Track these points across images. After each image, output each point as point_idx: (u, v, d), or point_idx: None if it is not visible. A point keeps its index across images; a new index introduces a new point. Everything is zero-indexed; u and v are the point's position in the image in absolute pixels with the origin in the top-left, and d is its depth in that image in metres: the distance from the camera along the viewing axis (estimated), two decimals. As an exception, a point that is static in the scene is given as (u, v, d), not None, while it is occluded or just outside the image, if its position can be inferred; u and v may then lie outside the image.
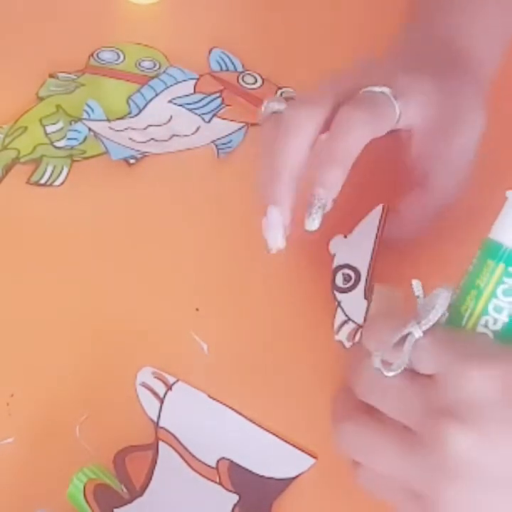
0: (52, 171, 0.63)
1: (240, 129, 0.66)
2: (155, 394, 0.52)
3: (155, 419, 0.51)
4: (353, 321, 0.53)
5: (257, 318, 0.56)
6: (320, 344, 0.54)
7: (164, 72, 0.69)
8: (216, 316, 0.56)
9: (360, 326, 0.53)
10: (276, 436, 0.51)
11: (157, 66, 0.70)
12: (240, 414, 0.52)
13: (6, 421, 0.51)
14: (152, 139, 0.65)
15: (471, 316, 0.42)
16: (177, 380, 0.53)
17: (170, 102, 0.67)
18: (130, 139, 0.65)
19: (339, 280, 0.54)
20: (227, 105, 0.67)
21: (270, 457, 0.50)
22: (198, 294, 0.57)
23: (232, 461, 0.50)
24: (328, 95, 0.51)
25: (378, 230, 0.53)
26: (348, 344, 0.53)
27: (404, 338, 0.42)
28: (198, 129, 0.66)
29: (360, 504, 0.49)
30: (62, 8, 0.74)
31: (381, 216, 0.53)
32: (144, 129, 0.66)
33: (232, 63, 0.70)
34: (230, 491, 0.49)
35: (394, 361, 0.42)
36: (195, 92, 0.68)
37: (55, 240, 0.59)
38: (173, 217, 0.61)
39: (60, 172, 0.63)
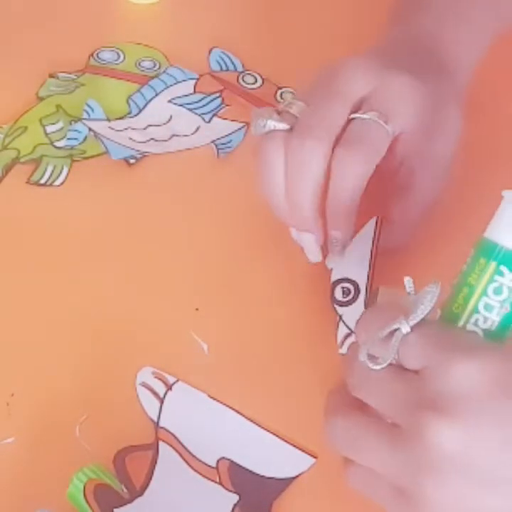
0: (52, 171, 0.63)
1: (239, 129, 0.66)
2: (155, 394, 0.52)
3: (155, 419, 0.51)
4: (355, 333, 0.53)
5: (257, 319, 0.56)
6: (320, 344, 0.54)
7: (164, 72, 0.69)
8: (216, 316, 0.56)
9: None
10: (276, 436, 0.51)
11: (157, 66, 0.70)
12: (240, 414, 0.52)
13: (6, 421, 0.51)
14: (152, 138, 0.65)
15: (461, 313, 0.42)
16: (177, 380, 0.53)
17: (170, 101, 0.67)
18: (130, 138, 0.65)
19: (338, 294, 0.54)
20: (227, 105, 0.67)
21: (270, 457, 0.50)
22: (198, 294, 0.57)
23: (232, 461, 0.50)
24: (330, 123, 0.51)
25: (373, 241, 0.53)
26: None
27: (392, 332, 0.42)
28: (197, 128, 0.66)
29: (360, 504, 0.49)
30: (62, 8, 0.74)
31: (376, 228, 0.53)
32: (144, 128, 0.66)
33: (232, 63, 0.70)
34: (230, 490, 0.49)
35: (381, 355, 0.42)
36: (195, 92, 0.68)
37: (55, 240, 0.59)
38: (173, 217, 0.61)
39: (60, 172, 0.63)
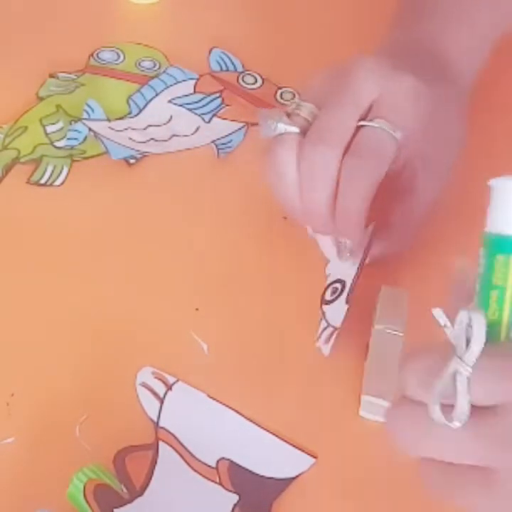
0: (53, 171, 0.63)
1: (239, 129, 0.66)
2: (155, 394, 0.52)
3: (155, 419, 0.51)
4: (332, 326, 0.53)
5: (257, 318, 0.56)
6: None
7: (164, 72, 0.69)
8: (216, 316, 0.56)
9: (335, 328, 0.53)
10: (276, 436, 0.51)
11: (157, 66, 0.70)
12: (240, 414, 0.52)
13: (6, 421, 0.51)
14: (152, 139, 0.65)
15: (501, 318, 0.39)
16: (177, 380, 0.53)
17: (170, 102, 0.67)
18: (130, 138, 0.65)
19: (328, 294, 0.54)
20: (227, 105, 0.67)
21: (270, 457, 0.50)
22: (198, 294, 0.57)
23: (232, 461, 0.50)
24: (342, 129, 0.51)
25: (367, 248, 0.54)
26: (324, 347, 0.53)
27: (452, 377, 0.38)
28: (197, 129, 0.66)
29: (360, 504, 0.49)
30: (62, 8, 0.74)
31: (370, 234, 0.54)
32: (144, 129, 0.66)
33: (232, 63, 0.70)
34: (230, 491, 0.49)
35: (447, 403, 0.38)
36: (195, 92, 0.68)
37: (55, 240, 0.60)
38: (173, 217, 0.61)
39: (60, 172, 0.63)
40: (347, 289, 0.53)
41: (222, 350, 0.54)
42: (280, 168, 0.51)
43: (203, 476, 0.49)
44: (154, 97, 0.68)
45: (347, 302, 0.52)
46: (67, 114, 0.66)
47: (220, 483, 0.49)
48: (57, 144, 0.64)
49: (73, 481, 0.48)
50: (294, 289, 0.57)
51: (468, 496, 0.39)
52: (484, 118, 0.61)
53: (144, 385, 0.53)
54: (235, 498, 0.49)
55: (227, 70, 0.70)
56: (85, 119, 0.65)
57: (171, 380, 0.53)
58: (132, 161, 0.64)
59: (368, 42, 0.61)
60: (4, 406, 0.52)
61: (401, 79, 0.52)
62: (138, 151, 0.64)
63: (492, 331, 0.39)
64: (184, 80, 0.69)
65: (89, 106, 0.66)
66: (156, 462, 0.49)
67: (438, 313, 0.39)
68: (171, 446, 0.50)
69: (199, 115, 0.67)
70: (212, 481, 0.49)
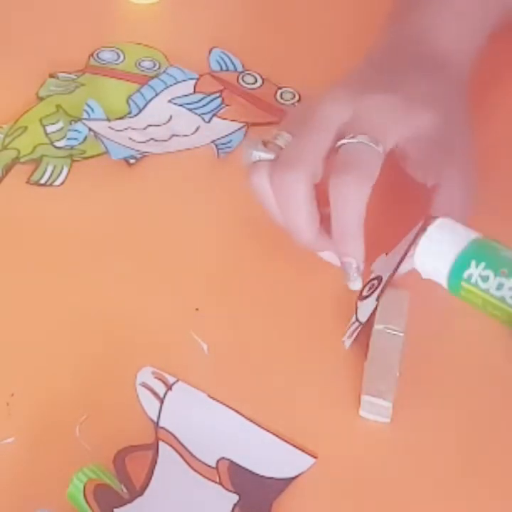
0: (52, 171, 0.63)
1: (239, 128, 0.66)
2: (155, 394, 0.52)
3: (155, 419, 0.51)
4: (359, 321, 0.54)
5: (257, 319, 0.56)
6: (320, 344, 0.54)
7: (164, 72, 0.69)
8: (216, 316, 0.56)
9: (361, 324, 0.53)
10: (276, 436, 0.51)
11: (157, 66, 0.70)
12: (240, 414, 0.52)
13: (6, 421, 0.51)
14: (152, 138, 0.65)
15: None
16: (177, 380, 0.53)
17: (170, 101, 0.67)
18: (130, 138, 0.65)
19: (366, 289, 0.54)
20: (227, 105, 0.67)
21: (270, 457, 0.50)
22: (198, 294, 0.57)
23: (232, 461, 0.50)
24: (310, 153, 0.53)
25: (410, 244, 0.53)
26: (347, 341, 0.54)
27: None
28: (197, 128, 0.66)
29: (360, 504, 0.49)
30: (62, 8, 0.74)
31: (417, 232, 0.54)
32: (144, 128, 0.66)
33: (232, 63, 0.70)
34: (230, 490, 0.49)
35: None
36: (195, 91, 0.68)
37: (55, 240, 0.60)
38: (173, 217, 0.61)
39: (60, 172, 0.63)
40: (381, 285, 0.53)
41: (222, 350, 0.54)
42: (257, 193, 0.54)
43: (203, 476, 0.49)
44: (154, 97, 0.68)
45: (377, 299, 0.53)
46: (67, 114, 0.66)
47: (220, 483, 0.49)
48: (57, 143, 0.64)
49: (73, 481, 0.48)
50: (294, 288, 0.57)
51: None
52: (484, 119, 0.61)
53: (144, 385, 0.53)
54: (234, 498, 0.49)
55: (227, 69, 0.70)
56: (85, 119, 0.65)
57: (171, 380, 0.53)
58: (132, 161, 0.64)
59: (368, 42, 0.61)
60: (4, 406, 0.52)
61: (371, 96, 0.53)
62: (138, 151, 0.64)
63: None
64: (184, 80, 0.69)
65: (89, 106, 0.66)
66: (156, 462, 0.49)
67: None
68: (171, 446, 0.50)
69: (199, 115, 0.67)
70: (212, 480, 0.49)
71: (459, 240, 0.51)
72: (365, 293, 0.54)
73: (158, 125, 0.66)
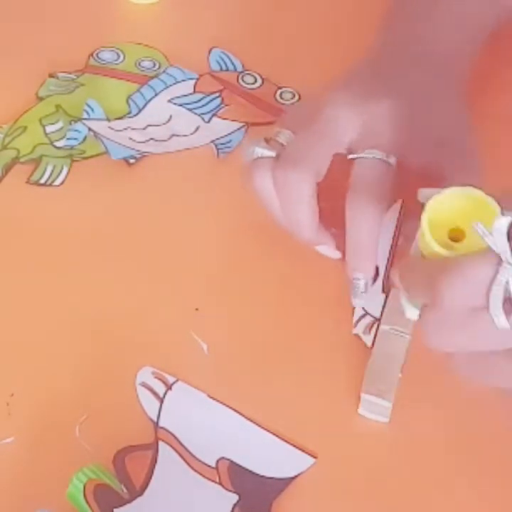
0: (52, 171, 0.63)
1: (239, 128, 0.66)
2: (155, 394, 0.52)
3: (155, 419, 0.51)
4: (370, 315, 0.54)
5: (257, 319, 0.56)
6: (320, 344, 0.55)
7: (164, 71, 0.69)
8: (216, 316, 0.56)
9: (376, 319, 0.54)
10: (276, 436, 0.51)
11: (157, 66, 0.70)
12: (240, 414, 0.52)
13: (6, 421, 0.51)
14: (152, 138, 0.65)
15: None
16: (177, 380, 0.53)
17: (169, 101, 0.67)
18: (130, 138, 0.65)
19: None
20: (227, 105, 0.67)
21: (270, 457, 0.50)
22: (198, 294, 0.57)
23: (231, 461, 0.50)
24: (313, 159, 0.52)
25: (396, 226, 0.54)
26: (365, 337, 0.54)
27: (505, 283, 0.39)
28: (197, 128, 0.66)
29: (360, 504, 0.49)
30: (62, 8, 0.74)
31: (399, 212, 0.54)
32: (144, 128, 0.66)
33: (232, 63, 0.70)
34: (230, 490, 0.49)
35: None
36: (194, 91, 0.68)
37: (55, 240, 0.59)
38: (172, 217, 0.61)
39: (60, 172, 0.63)
40: (381, 275, 0.54)
41: (222, 350, 0.54)
42: (257, 190, 0.53)
43: (203, 476, 0.49)
44: (154, 97, 0.68)
45: (383, 291, 0.53)
46: (67, 114, 0.66)
47: (220, 483, 0.49)
48: (57, 143, 0.64)
49: (73, 481, 0.48)
50: (294, 288, 0.57)
51: (502, 378, 0.42)
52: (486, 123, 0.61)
53: (144, 385, 0.53)
54: (234, 497, 0.49)
55: (227, 69, 0.70)
56: (85, 118, 0.65)
57: (170, 379, 0.53)
58: (132, 160, 0.64)
59: (368, 42, 0.61)
60: (4, 406, 0.52)
61: (377, 102, 0.53)
62: (138, 150, 0.64)
63: None
64: (184, 80, 0.69)
65: (89, 106, 0.66)
66: (155, 462, 0.50)
67: (477, 225, 0.39)
68: (170, 446, 0.50)
69: (199, 115, 0.67)
70: (212, 480, 0.49)
71: None
72: None
73: (158, 125, 0.66)
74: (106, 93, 0.67)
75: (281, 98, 0.67)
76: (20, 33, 0.72)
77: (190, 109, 0.67)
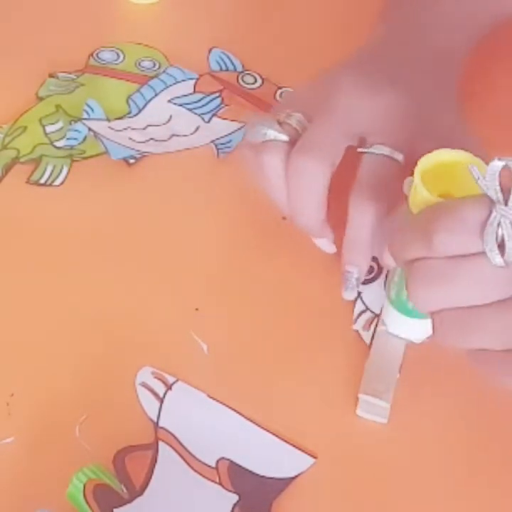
0: (52, 171, 0.63)
1: (239, 128, 0.66)
2: (155, 394, 0.52)
3: (155, 419, 0.51)
4: (371, 311, 0.55)
5: (257, 319, 0.56)
6: (320, 344, 0.55)
7: (164, 72, 0.69)
8: (216, 316, 0.56)
9: (377, 315, 0.54)
10: (276, 436, 0.51)
11: (157, 66, 0.70)
12: (240, 414, 0.52)
13: (6, 421, 0.51)
14: (152, 138, 0.65)
15: None
16: (177, 380, 0.53)
17: (169, 101, 0.67)
18: (130, 138, 0.65)
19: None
20: (227, 105, 0.67)
21: (270, 457, 0.50)
22: (198, 294, 0.57)
23: (231, 461, 0.50)
24: (329, 146, 0.52)
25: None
26: (364, 333, 0.54)
27: (496, 224, 0.40)
28: (197, 128, 0.66)
29: (360, 504, 0.49)
30: (62, 8, 0.74)
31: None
32: (144, 128, 0.66)
33: (232, 63, 0.70)
34: (230, 490, 0.49)
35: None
36: (194, 91, 0.68)
37: (54, 240, 0.59)
38: (172, 217, 0.61)
39: (60, 172, 0.63)
40: (384, 272, 0.54)
41: (222, 350, 0.54)
42: (268, 173, 0.53)
43: (203, 476, 0.49)
44: (154, 97, 0.68)
45: (385, 289, 0.53)
46: (67, 114, 0.66)
47: (220, 483, 0.49)
48: (57, 143, 0.64)
49: (73, 481, 0.48)
50: (293, 288, 0.57)
51: (486, 337, 0.42)
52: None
53: (144, 385, 0.53)
54: (234, 498, 0.49)
55: (227, 69, 0.70)
56: (85, 118, 0.65)
57: (170, 379, 0.53)
58: (132, 160, 0.64)
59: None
60: (4, 406, 0.52)
61: (388, 96, 0.53)
62: (138, 151, 0.64)
63: None
64: (184, 80, 0.69)
65: (88, 106, 0.66)
66: (155, 462, 0.50)
67: (472, 168, 0.40)
68: (170, 446, 0.50)
69: (199, 115, 0.67)
70: (212, 480, 0.49)
71: None
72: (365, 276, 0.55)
73: (158, 125, 0.66)
74: (106, 93, 0.67)
75: (281, 98, 0.67)
76: (20, 33, 0.72)
77: (190, 109, 0.67)
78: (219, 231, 0.60)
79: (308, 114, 0.54)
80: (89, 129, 0.65)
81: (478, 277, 0.41)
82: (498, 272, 0.40)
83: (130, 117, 0.66)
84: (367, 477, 0.50)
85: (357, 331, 0.55)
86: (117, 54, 0.70)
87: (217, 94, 0.68)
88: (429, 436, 0.51)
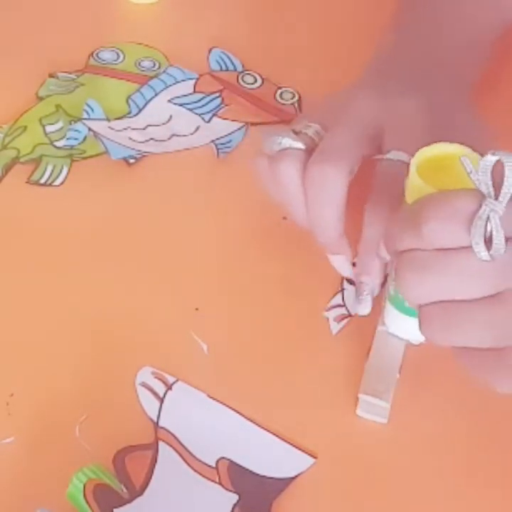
0: (52, 171, 0.63)
1: (239, 128, 0.66)
2: (155, 394, 0.52)
3: (155, 419, 0.51)
4: (347, 309, 0.55)
5: (257, 318, 0.56)
6: (320, 344, 0.55)
7: (164, 71, 0.69)
8: (216, 316, 0.56)
9: (350, 316, 0.55)
10: (276, 436, 0.51)
11: (157, 66, 0.70)
12: (240, 414, 0.52)
13: (6, 421, 0.51)
14: (152, 138, 0.65)
15: None
16: (177, 380, 0.53)
17: (169, 101, 0.67)
18: (130, 138, 0.65)
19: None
20: (227, 105, 0.67)
21: (270, 457, 0.50)
22: (197, 294, 0.57)
23: (231, 461, 0.50)
24: (347, 154, 0.52)
25: None
26: (333, 324, 0.55)
27: (485, 217, 0.40)
28: (197, 128, 0.66)
29: (360, 504, 0.49)
30: (62, 8, 0.74)
31: None
32: (144, 128, 0.66)
33: (232, 63, 0.70)
34: (230, 490, 0.49)
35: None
36: (194, 91, 0.68)
37: (54, 240, 0.60)
38: (172, 217, 0.61)
39: (60, 172, 0.63)
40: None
41: (222, 350, 0.54)
42: (284, 181, 0.52)
43: (203, 476, 0.49)
44: (154, 97, 0.68)
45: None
46: (67, 114, 0.66)
47: (220, 483, 0.49)
48: (57, 143, 0.64)
49: (73, 481, 0.48)
50: (293, 288, 0.57)
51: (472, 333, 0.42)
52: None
53: (144, 385, 0.53)
54: (234, 497, 0.49)
55: (227, 69, 0.70)
56: (85, 119, 0.65)
57: (170, 379, 0.53)
58: (132, 160, 0.64)
59: (368, 42, 0.61)
60: (4, 406, 0.52)
61: (404, 103, 0.53)
62: (138, 151, 0.64)
63: None
64: (184, 80, 0.69)
65: (88, 106, 0.66)
66: (155, 462, 0.50)
67: (465, 161, 0.41)
68: (170, 446, 0.50)
69: (199, 115, 0.67)
70: (212, 480, 0.49)
71: None
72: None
73: (158, 125, 0.66)
74: (106, 93, 0.67)
75: (281, 98, 0.67)
76: (20, 33, 0.72)
77: (190, 109, 0.67)
78: (219, 231, 0.60)
79: (325, 124, 0.53)
80: (89, 129, 0.65)
81: (465, 270, 0.41)
82: (485, 266, 0.40)
83: (130, 117, 0.66)
84: (367, 477, 0.50)
85: (327, 319, 0.55)
86: (117, 54, 0.70)
87: (217, 94, 0.68)
88: (429, 436, 0.51)
